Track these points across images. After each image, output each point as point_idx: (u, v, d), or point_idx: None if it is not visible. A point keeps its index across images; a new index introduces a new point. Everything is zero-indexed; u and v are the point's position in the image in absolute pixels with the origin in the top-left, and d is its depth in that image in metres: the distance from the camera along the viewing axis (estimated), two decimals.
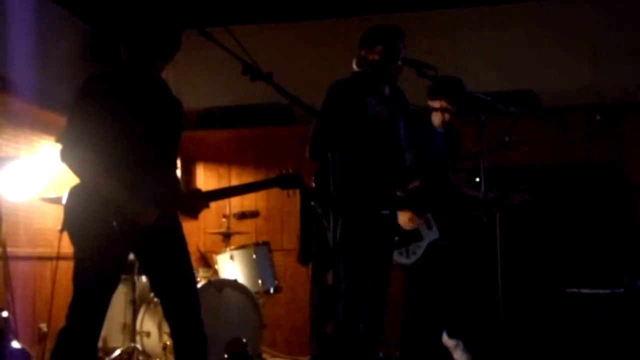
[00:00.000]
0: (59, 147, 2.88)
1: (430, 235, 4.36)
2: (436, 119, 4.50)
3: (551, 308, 4.67)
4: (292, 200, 5.12)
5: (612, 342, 4.35)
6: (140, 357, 4.66)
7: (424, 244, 4.35)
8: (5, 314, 4.04)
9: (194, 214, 3.12)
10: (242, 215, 5.47)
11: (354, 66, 3.70)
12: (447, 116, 4.44)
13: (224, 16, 5.76)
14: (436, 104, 4.42)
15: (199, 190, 3.17)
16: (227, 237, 5.36)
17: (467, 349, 4.53)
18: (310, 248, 4.85)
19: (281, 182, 3.20)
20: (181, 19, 2.96)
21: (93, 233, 2.87)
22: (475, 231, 4.63)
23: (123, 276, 4.59)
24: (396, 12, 5.84)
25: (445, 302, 4.54)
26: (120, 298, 4.78)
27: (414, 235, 4.34)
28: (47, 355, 3.77)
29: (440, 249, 4.40)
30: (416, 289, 4.44)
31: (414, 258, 4.32)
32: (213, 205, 3.22)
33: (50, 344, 3.57)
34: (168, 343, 4.49)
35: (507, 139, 3.97)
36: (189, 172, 6.43)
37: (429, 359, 4.52)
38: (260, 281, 5.05)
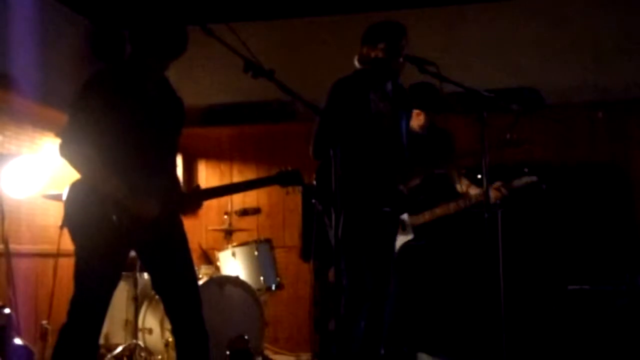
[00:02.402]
0: (58, 141, 2.88)
1: (404, 236, 4.33)
2: (415, 123, 4.45)
3: (553, 305, 4.67)
4: (293, 197, 5.13)
5: (613, 339, 4.35)
6: (142, 354, 4.66)
7: (396, 245, 4.30)
8: (7, 310, 4.05)
9: (191, 212, 3.12)
10: (244, 212, 5.47)
11: (356, 63, 3.69)
12: (422, 119, 4.42)
13: (225, 13, 5.75)
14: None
15: (198, 187, 3.17)
16: (228, 234, 5.36)
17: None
18: (311, 245, 4.85)
19: (281, 179, 3.21)
20: (183, 16, 2.96)
21: (93, 229, 2.87)
22: (467, 230, 4.65)
23: (125, 273, 4.59)
24: (398, 8, 5.84)
25: (425, 302, 4.53)
26: (122, 295, 4.79)
27: None
28: (49, 351, 3.78)
29: (414, 250, 4.36)
30: (395, 289, 4.42)
31: None
32: (215, 202, 3.23)
33: (52, 341, 3.58)
34: (170, 340, 4.49)
35: (508, 136, 3.95)
36: (190, 169, 6.44)
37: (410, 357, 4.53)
38: (262, 278, 5.05)
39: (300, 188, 4.88)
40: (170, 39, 2.94)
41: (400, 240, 4.27)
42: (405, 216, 4.29)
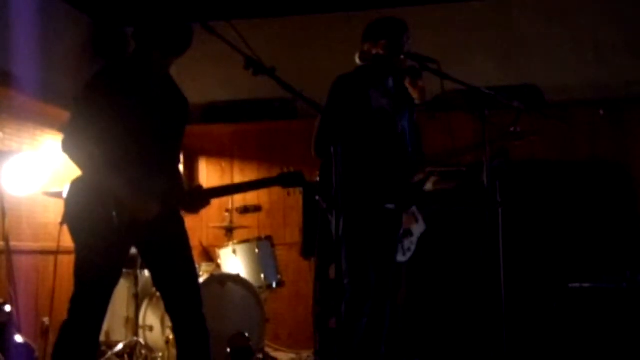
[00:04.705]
0: (61, 137, 2.88)
1: (419, 228, 4.30)
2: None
3: (553, 303, 4.67)
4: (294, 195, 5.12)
5: (614, 338, 4.35)
6: (143, 351, 4.67)
7: (415, 239, 4.28)
8: (8, 308, 4.05)
9: (193, 211, 3.12)
10: (245, 210, 5.48)
11: (357, 60, 3.69)
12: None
13: (226, 10, 5.74)
14: None
15: (200, 187, 3.17)
16: (229, 231, 5.36)
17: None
18: (312, 242, 4.85)
19: (282, 181, 3.21)
20: (185, 13, 2.96)
21: (93, 226, 2.86)
22: (468, 228, 4.64)
23: (126, 270, 4.60)
24: (400, 6, 5.83)
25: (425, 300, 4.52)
26: (123, 292, 4.79)
27: (405, 232, 4.27)
28: (50, 349, 3.78)
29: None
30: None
31: (409, 255, 4.25)
32: (216, 199, 3.22)
33: (52, 338, 3.58)
34: (171, 337, 4.49)
35: (512, 129, 3.92)
36: (191, 167, 6.44)
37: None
38: (262, 275, 5.06)
39: (301, 189, 4.88)
40: (175, 36, 2.94)
41: (417, 232, 4.26)
42: (414, 208, 4.28)
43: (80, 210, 2.91)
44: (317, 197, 3.61)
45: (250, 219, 5.74)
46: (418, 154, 3.87)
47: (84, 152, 2.84)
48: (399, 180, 3.66)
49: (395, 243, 3.77)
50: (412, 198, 3.85)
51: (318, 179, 3.63)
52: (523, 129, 3.96)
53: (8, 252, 4.49)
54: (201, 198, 3.11)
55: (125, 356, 4.65)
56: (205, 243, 6.12)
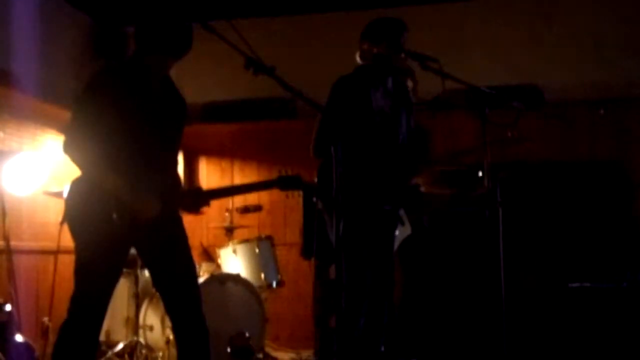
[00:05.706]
0: (62, 138, 2.88)
1: (403, 232, 4.29)
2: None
3: (553, 303, 4.67)
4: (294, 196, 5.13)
5: (614, 337, 4.35)
6: (144, 351, 4.67)
7: (396, 242, 4.28)
8: (8, 307, 4.05)
9: (193, 211, 3.12)
10: (245, 210, 5.47)
11: (357, 59, 3.69)
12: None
13: (227, 10, 5.74)
14: None
15: (200, 188, 3.18)
16: (230, 231, 5.36)
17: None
18: (312, 242, 4.84)
19: (281, 184, 3.21)
20: (185, 13, 2.97)
21: (93, 226, 2.86)
22: (468, 228, 4.64)
23: (126, 270, 4.61)
24: (399, 5, 5.83)
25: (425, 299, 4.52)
26: (123, 292, 4.79)
27: None
28: (50, 348, 3.78)
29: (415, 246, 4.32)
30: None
31: None
32: (215, 199, 3.22)
33: (52, 338, 3.58)
34: (171, 337, 4.49)
35: (509, 134, 3.93)
36: (191, 166, 6.44)
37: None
38: (263, 275, 5.05)
39: (300, 192, 4.87)
40: (176, 38, 2.94)
41: (400, 235, 4.24)
42: (401, 211, 4.26)
43: (81, 209, 2.91)
44: (315, 198, 3.61)
45: (250, 219, 5.74)
46: (419, 154, 3.87)
47: (85, 153, 2.84)
48: (397, 181, 3.66)
49: (392, 243, 3.78)
50: (409, 199, 3.86)
51: (317, 179, 3.63)
52: (522, 131, 3.96)
53: (8, 251, 4.49)
54: (200, 199, 3.12)
55: (126, 356, 4.65)
56: (205, 243, 6.12)
